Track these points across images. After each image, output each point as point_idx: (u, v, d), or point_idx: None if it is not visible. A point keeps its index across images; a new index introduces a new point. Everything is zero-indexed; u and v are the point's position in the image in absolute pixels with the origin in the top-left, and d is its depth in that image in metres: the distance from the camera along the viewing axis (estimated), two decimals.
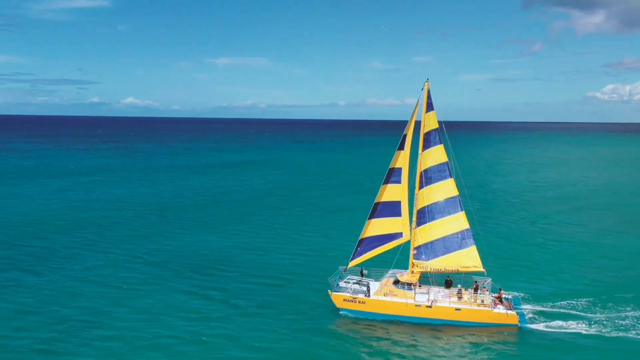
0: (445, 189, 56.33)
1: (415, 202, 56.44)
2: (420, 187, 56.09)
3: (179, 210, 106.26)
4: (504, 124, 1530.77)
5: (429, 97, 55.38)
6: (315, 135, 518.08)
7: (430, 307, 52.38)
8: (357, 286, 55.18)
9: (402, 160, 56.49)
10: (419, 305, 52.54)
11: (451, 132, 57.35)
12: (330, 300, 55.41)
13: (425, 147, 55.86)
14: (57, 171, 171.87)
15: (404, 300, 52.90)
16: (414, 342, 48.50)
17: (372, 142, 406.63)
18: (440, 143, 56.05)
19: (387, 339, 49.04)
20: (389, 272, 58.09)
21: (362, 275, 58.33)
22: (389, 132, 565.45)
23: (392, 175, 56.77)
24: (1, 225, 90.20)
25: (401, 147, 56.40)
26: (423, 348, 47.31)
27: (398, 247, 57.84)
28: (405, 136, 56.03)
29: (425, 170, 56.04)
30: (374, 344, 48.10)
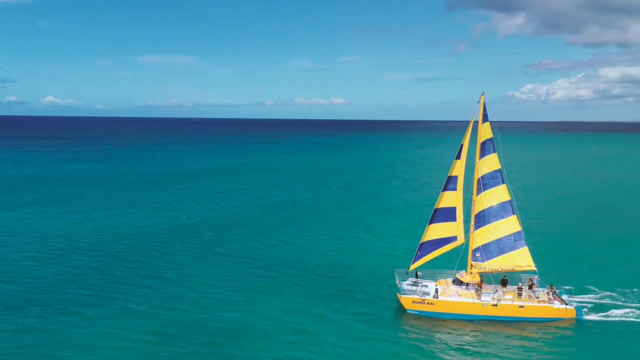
0: (498, 194, 60.51)
1: (473, 207, 60.36)
2: (478, 193, 60.06)
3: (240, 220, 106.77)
4: (431, 122, 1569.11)
5: (484, 109, 59.34)
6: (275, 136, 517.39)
7: (496, 305, 56.42)
8: (425, 289, 58.63)
9: (458, 168, 60.33)
10: (485, 304, 56.46)
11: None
12: (398, 302, 58.61)
13: (481, 155, 59.86)
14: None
15: (471, 300, 56.70)
16: (483, 338, 52.35)
17: (334, 142, 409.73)
18: (495, 152, 60.18)
19: (456, 336, 52.67)
20: (441, 273, 62.00)
21: (417, 277, 61.90)
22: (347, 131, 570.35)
23: (449, 183, 60.58)
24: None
25: (458, 157, 60.21)
26: (491, 344, 51.11)
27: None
28: (462, 146, 59.80)
29: (482, 177, 60.03)
30: (446, 340, 51.66)
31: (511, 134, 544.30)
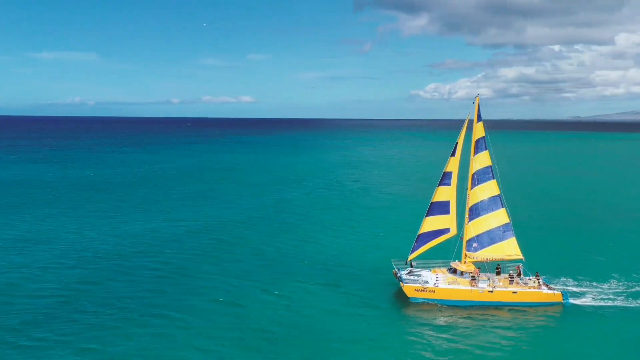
0: (489, 189, 65.12)
1: (467, 200, 64.68)
2: (472, 187, 64.46)
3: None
4: (345, 121, 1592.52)
5: (478, 109, 63.77)
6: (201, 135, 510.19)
7: (492, 292, 60.82)
8: (423, 277, 62.42)
9: (452, 165, 64.52)
10: (482, 291, 60.77)
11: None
12: (397, 291, 62.10)
13: (475, 152, 64.27)
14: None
15: (469, 288, 60.86)
16: (481, 322, 56.51)
17: (271, 141, 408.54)
18: (486, 149, 64.69)
19: (456, 320, 56.64)
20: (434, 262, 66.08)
21: (411, 267, 65.69)
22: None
23: (444, 178, 64.72)
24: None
25: (453, 154, 64.39)
26: (489, 326, 55.41)
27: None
28: (457, 144, 64.01)
29: (475, 173, 64.48)
30: (448, 324, 55.60)
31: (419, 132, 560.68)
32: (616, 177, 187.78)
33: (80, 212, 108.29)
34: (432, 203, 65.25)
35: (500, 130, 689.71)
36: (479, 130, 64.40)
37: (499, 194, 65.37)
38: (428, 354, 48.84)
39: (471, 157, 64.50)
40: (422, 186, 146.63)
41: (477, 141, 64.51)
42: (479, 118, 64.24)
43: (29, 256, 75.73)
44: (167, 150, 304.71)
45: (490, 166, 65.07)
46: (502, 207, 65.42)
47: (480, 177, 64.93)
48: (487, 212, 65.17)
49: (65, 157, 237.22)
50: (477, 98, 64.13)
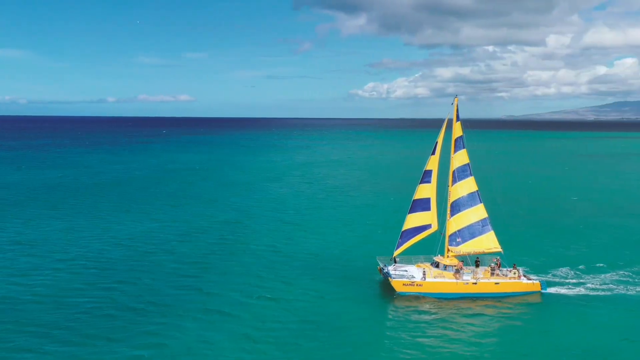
0: (467, 186, 68.02)
1: (449, 197, 67.45)
2: (453, 183, 67.27)
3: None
4: (283, 120, 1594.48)
5: (457, 110, 66.62)
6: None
7: (476, 283, 63.61)
8: (411, 272, 64.73)
9: (432, 163, 67.15)
10: (467, 283, 63.50)
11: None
12: (388, 286, 64.20)
13: (455, 150, 67.09)
14: None
15: (454, 280, 63.48)
16: (467, 312, 59.19)
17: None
18: (464, 148, 67.60)
19: (443, 312, 59.14)
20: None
21: (395, 262, 67.95)
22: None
23: (425, 176, 67.31)
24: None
25: (433, 152, 67.04)
26: (474, 316, 58.19)
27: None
28: (437, 143, 66.68)
29: (455, 170, 67.31)
30: (435, 316, 57.94)
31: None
32: (562, 173, 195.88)
33: (74, 213, 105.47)
34: (414, 200, 67.65)
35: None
36: (457, 130, 67.19)
37: (476, 190, 68.34)
38: (418, 345, 50.70)
39: (451, 154, 67.23)
40: (402, 184, 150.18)
41: (456, 140, 67.30)
42: (458, 118, 67.01)
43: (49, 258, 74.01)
44: (126, 150, 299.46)
45: (468, 164, 67.99)
46: (480, 202, 68.41)
47: (460, 174, 67.73)
48: (467, 208, 67.99)
49: (19, 158, 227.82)
50: (455, 99, 67.10)
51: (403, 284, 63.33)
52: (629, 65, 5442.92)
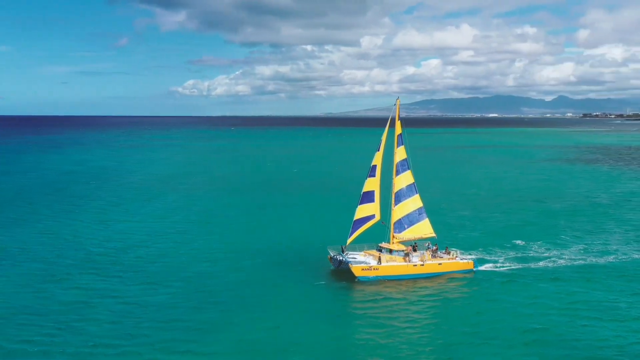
0: (406, 178, 75.89)
1: (393, 187, 74.90)
2: (396, 175, 74.84)
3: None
4: (101, 118, 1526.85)
5: (399, 109, 74.27)
6: None
7: (423, 265, 71.56)
8: (362, 259, 71.15)
9: (377, 158, 74.07)
10: (416, 265, 71.24)
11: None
12: (341, 272, 70.17)
13: (398, 145, 74.65)
14: None
15: (405, 263, 70.94)
16: (416, 291, 67.10)
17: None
18: (403, 144, 75.30)
19: (399, 291, 66.55)
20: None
21: (343, 251, 73.93)
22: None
23: (371, 171, 74.20)
24: None
25: (378, 149, 73.99)
26: (423, 293, 66.18)
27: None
28: (382, 140, 73.68)
29: (398, 163, 74.95)
30: (393, 296, 65.02)
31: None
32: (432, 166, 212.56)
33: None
34: (362, 193, 74.14)
35: (262, 127, 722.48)
36: (399, 127, 74.61)
37: (413, 182, 76.32)
38: (380, 322, 56.99)
39: (395, 149, 74.61)
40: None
41: (399, 136, 74.76)
42: (399, 117, 74.52)
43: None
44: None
45: (406, 159, 75.72)
46: (417, 193, 76.52)
47: (400, 168, 75.32)
48: (407, 198, 75.82)
49: None
50: (397, 100, 74.53)
51: (362, 269, 69.38)
52: (434, 66, 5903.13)
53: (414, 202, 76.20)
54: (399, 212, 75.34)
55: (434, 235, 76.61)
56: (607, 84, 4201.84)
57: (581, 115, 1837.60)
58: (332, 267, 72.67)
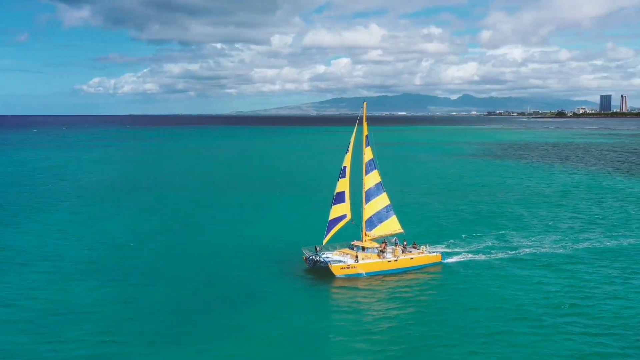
0: (373, 178, 78.64)
1: (363, 186, 77.47)
2: (366, 174, 77.47)
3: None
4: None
5: (366, 111, 76.87)
6: None
7: (397, 260, 74.46)
8: (337, 258, 73.20)
9: (347, 160, 76.30)
10: (390, 261, 74.05)
11: None
12: (318, 271, 72.05)
13: (366, 146, 77.32)
14: None
15: (381, 260, 73.58)
16: (393, 284, 70.00)
17: None
18: (369, 145, 78.02)
19: (375, 287, 69.24)
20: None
21: (316, 251, 75.77)
22: None
23: (342, 172, 76.32)
24: None
25: (347, 150, 76.24)
26: (398, 287, 68.99)
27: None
28: (350, 142, 76.04)
29: (366, 163, 77.60)
30: (370, 291, 67.51)
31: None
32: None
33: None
34: (335, 194, 76.15)
35: (176, 126, 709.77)
36: (366, 129, 77.19)
37: (380, 181, 79.15)
38: (359, 317, 59.24)
39: (363, 150, 77.16)
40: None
41: (366, 137, 77.31)
42: (367, 119, 77.15)
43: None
44: None
45: (373, 159, 78.42)
46: (384, 191, 79.40)
47: (367, 167, 77.96)
48: (375, 197, 78.57)
49: None
50: (364, 103, 77.30)
51: (341, 268, 71.37)
52: (343, 65, 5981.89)
53: (382, 200, 78.98)
54: (369, 210, 77.94)
55: (402, 231, 79.65)
56: (508, 83, 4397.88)
57: (486, 113, 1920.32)
58: (307, 267, 74.20)
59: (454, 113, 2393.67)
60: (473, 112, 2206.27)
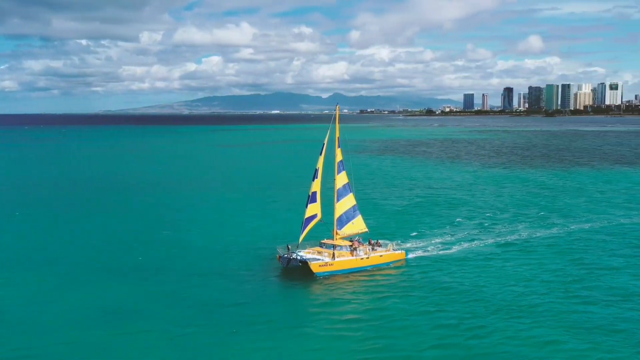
0: (342, 179, 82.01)
1: (335, 185, 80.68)
2: (338, 173, 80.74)
3: None
4: None
5: (339, 114, 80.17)
6: None
7: (368, 258, 78.28)
8: (325, 255, 75.86)
9: (320, 161, 79.11)
10: (363, 259, 77.71)
11: None
12: (297, 270, 74.43)
13: (338, 147, 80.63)
14: None
15: (354, 257, 77.07)
16: (366, 280, 74.02)
17: None
18: (340, 147, 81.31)
19: (349, 283, 72.96)
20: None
21: (288, 249, 78.03)
22: None
23: (315, 174, 78.95)
24: None
25: (321, 152, 79.08)
26: (371, 281, 73.11)
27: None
28: (324, 144, 78.95)
29: (338, 163, 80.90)
30: (345, 286, 71.22)
31: None
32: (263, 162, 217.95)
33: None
34: (309, 194, 78.69)
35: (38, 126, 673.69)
36: (337, 130, 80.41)
37: (348, 182, 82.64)
38: (341, 310, 62.61)
39: (336, 150, 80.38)
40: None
41: (338, 139, 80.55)
42: (339, 121, 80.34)
43: None
44: None
45: (342, 160, 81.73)
46: (351, 192, 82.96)
47: (338, 168, 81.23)
48: (344, 197, 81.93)
49: None
50: (337, 106, 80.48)
51: (319, 265, 73.96)
52: (215, 63, 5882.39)
53: (349, 200, 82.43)
54: (339, 209, 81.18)
55: (367, 230, 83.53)
56: (376, 82, 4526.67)
57: (358, 111, 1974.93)
58: (282, 266, 76.02)
59: (326, 111, 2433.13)
60: (345, 111, 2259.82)
